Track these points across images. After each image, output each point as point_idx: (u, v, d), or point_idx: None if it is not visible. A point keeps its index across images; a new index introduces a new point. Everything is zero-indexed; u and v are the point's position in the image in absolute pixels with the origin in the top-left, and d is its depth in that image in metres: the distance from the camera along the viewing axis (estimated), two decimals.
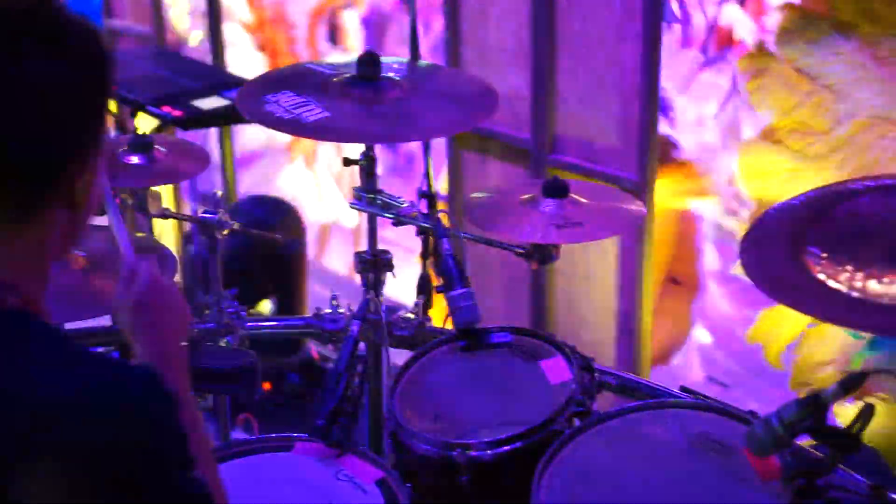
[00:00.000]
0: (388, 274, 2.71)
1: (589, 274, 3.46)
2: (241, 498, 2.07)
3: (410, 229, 2.57)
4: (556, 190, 2.34)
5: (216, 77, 3.66)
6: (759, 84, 3.19)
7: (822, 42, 3.09)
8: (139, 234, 2.54)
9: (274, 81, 2.52)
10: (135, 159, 2.46)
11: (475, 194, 2.51)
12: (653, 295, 3.40)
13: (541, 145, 3.47)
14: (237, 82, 3.48)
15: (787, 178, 3.18)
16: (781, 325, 3.45)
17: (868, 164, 3.05)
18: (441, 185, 3.90)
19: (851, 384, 1.81)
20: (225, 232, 2.63)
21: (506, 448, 2.15)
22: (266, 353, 3.37)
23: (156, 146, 2.51)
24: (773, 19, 3.28)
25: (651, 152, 3.26)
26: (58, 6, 1.41)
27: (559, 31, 3.38)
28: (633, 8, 3.19)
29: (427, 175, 2.74)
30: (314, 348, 4.18)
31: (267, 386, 4.00)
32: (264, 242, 3.81)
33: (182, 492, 1.36)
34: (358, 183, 2.60)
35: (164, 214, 2.54)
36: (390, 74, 2.49)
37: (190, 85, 3.47)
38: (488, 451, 2.15)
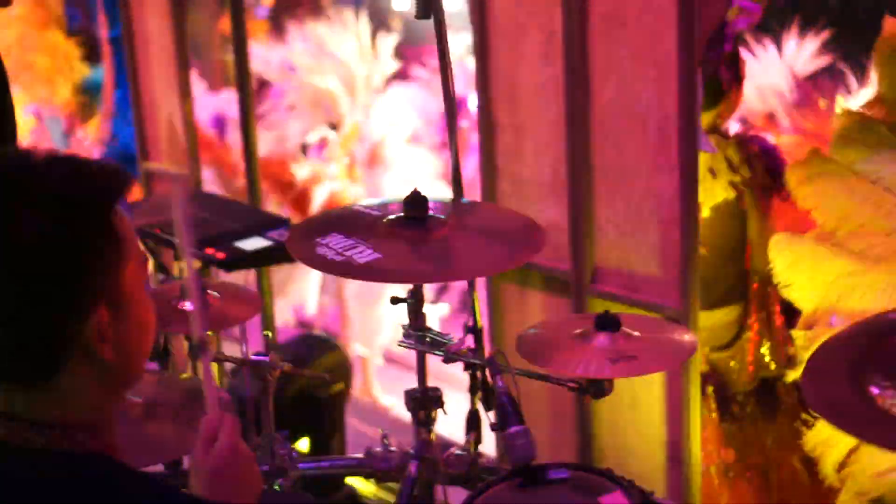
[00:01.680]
0: (439, 411, 2.72)
1: (635, 402, 3.45)
2: None
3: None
4: (608, 324, 2.35)
5: (257, 217, 3.71)
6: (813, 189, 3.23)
7: (880, 147, 3.13)
8: (188, 376, 2.55)
9: (322, 223, 2.57)
10: (187, 305, 2.49)
11: (528, 329, 2.52)
12: (699, 421, 3.38)
13: (581, 276, 3.49)
14: (279, 222, 3.53)
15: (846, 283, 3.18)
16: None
17: None
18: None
19: None
20: (276, 373, 2.65)
21: None
22: (308, 491, 3.37)
23: (208, 291, 2.54)
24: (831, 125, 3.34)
25: (692, 280, 3.27)
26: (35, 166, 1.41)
27: (596, 163, 3.43)
28: (668, 138, 3.23)
29: (473, 310, 2.75)
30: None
31: None
32: (301, 380, 3.86)
33: None
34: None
35: (217, 359, 2.55)
36: (436, 214, 2.53)
37: (231, 226, 3.52)
38: None
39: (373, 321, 5.50)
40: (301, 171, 5.58)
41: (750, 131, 3.98)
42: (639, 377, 3.35)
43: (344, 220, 2.55)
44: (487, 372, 2.65)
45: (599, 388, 2.38)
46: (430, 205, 2.52)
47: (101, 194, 1.42)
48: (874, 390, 1.79)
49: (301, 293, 5.64)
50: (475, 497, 2.42)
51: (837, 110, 3.25)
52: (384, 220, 2.51)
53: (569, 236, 3.52)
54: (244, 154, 4.66)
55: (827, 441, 3.47)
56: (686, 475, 3.36)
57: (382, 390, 5.53)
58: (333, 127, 5.70)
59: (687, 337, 2.42)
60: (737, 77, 3.67)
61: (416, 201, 2.49)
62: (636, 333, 2.38)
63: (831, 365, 1.91)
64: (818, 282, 3.30)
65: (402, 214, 2.50)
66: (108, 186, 1.43)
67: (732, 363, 3.84)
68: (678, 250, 3.27)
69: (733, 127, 3.88)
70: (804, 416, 3.67)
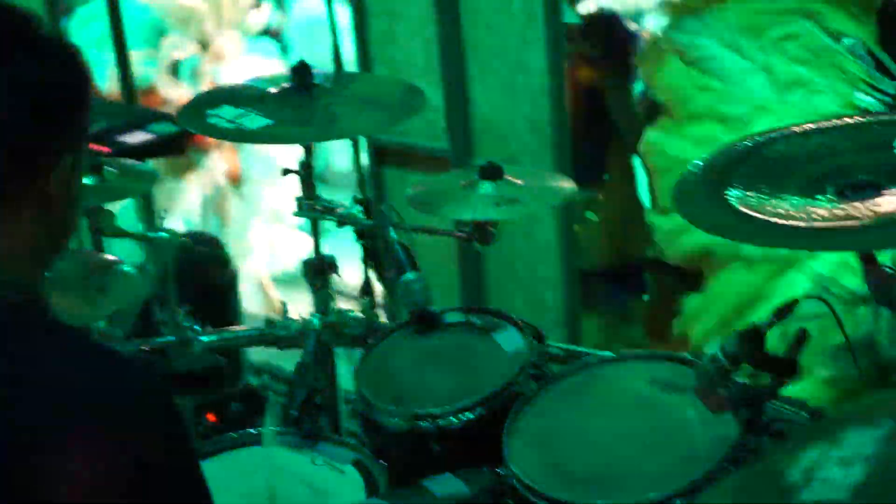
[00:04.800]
0: (334, 276, 2.84)
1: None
2: (225, 490, 2.19)
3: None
4: (492, 172, 2.49)
5: (139, 113, 3.76)
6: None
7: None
8: (98, 254, 2.61)
9: (212, 97, 2.65)
10: (87, 180, 2.55)
11: (417, 185, 2.65)
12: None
13: (459, 151, 3.63)
14: (161, 116, 3.59)
15: None
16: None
17: None
18: None
19: (783, 311, 1.99)
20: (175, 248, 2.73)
21: (471, 413, 2.28)
22: (208, 385, 3.46)
23: (105, 168, 2.60)
24: None
25: (562, 148, 3.44)
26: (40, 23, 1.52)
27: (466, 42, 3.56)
28: (533, 13, 3.37)
29: (360, 181, 2.87)
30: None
31: (211, 417, 4.06)
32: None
33: (194, 479, 1.47)
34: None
35: (117, 233, 2.63)
36: (322, 83, 2.64)
37: (113, 122, 3.56)
38: (455, 418, 2.28)
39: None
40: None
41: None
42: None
43: (233, 93, 2.64)
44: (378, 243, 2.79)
45: (486, 233, 2.52)
46: (315, 75, 2.62)
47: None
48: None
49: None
50: (375, 345, 2.55)
51: None
52: (272, 91, 2.60)
53: (444, 115, 3.65)
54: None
55: (694, 320, 3.69)
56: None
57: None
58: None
59: (566, 182, 2.58)
60: None
61: (301, 69, 2.58)
62: (518, 181, 2.53)
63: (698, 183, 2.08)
64: (666, 169, 3.51)
65: (289, 85, 2.60)
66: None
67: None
68: (549, 122, 3.43)
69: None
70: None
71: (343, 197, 2.80)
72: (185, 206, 5.65)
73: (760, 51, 3.29)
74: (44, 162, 1.46)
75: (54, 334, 1.49)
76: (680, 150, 3.47)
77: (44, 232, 1.51)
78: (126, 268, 2.56)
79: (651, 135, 3.62)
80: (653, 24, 3.99)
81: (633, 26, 4.10)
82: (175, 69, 5.67)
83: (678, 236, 3.58)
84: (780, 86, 3.28)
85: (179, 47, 5.63)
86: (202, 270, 3.83)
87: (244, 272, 5.37)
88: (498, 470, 2.15)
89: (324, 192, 2.74)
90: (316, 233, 2.85)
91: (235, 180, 5.42)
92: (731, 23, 3.32)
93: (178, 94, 5.44)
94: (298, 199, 2.77)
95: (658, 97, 3.62)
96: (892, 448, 1.12)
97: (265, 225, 5.54)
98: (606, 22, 3.90)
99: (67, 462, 1.35)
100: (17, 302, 1.47)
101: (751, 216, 1.90)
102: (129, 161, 2.83)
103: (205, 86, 5.35)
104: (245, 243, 5.53)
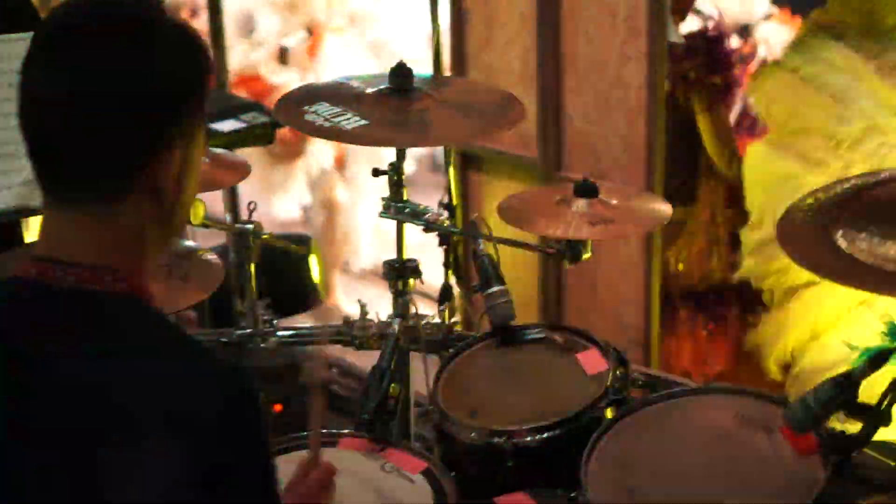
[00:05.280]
0: (416, 280, 2.81)
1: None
2: None
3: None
4: (587, 190, 2.45)
5: (230, 101, 3.76)
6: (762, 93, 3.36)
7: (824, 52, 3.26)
8: (182, 241, 2.61)
9: (309, 93, 2.63)
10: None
11: (510, 196, 2.62)
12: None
13: (549, 163, 3.59)
14: (252, 106, 3.59)
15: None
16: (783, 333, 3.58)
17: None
18: None
19: (879, 360, 1.94)
20: (259, 241, 2.72)
21: (549, 434, 2.24)
22: (275, 378, 3.46)
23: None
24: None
25: (656, 165, 3.38)
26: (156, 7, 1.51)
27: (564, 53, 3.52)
28: (636, 28, 3.32)
29: (449, 188, 2.84)
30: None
31: (278, 408, 4.07)
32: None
33: (269, 489, 1.46)
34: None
35: (205, 224, 2.62)
36: (420, 86, 2.61)
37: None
38: (532, 438, 2.24)
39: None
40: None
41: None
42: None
43: (331, 90, 2.62)
44: (459, 249, 2.76)
45: (577, 251, 2.48)
46: (414, 78, 2.60)
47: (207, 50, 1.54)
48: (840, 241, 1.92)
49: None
50: (455, 356, 2.52)
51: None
52: (370, 91, 2.58)
53: (537, 125, 3.61)
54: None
55: (770, 339, 3.63)
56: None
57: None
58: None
59: (660, 204, 2.53)
60: None
61: (401, 72, 2.56)
62: (613, 201, 2.48)
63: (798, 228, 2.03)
64: (766, 184, 3.45)
65: (387, 86, 2.58)
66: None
67: (676, 262, 3.94)
68: (643, 138, 3.38)
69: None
70: (749, 317, 3.84)
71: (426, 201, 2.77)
72: (291, 190, 5.66)
73: (877, 73, 3.24)
74: (156, 152, 1.46)
75: (154, 329, 1.49)
76: (783, 166, 3.41)
77: (152, 225, 1.50)
78: (209, 256, 2.56)
79: (754, 149, 3.57)
80: (761, 39, 3.95)
81: (736, 43, 4.04)
82: (282, 56, 5.67)
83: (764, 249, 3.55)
84: (892, 109, 3.21)
85: (288, 33, 5.63)
86: (288, 266, 3.86)
87: (335, 259, 5.39)
88: (572, 494, 2.11)
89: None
90: (400, 235, 2.82)
91: (341, 165, 5.40)
92: (848, 45, 3.27)
93: (283, 80, 5.45)
94: (385, 201, 2.75)
95: (764, 113, 3.57)
96: None
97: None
98: (708, 42, 3.84)
99: (138, 463, 1.35)
100: (121, 292, 1.47)
101: (856, 259, 1.85)
102: (220, 150, 2.82)
103: (308, 74, 5.35)
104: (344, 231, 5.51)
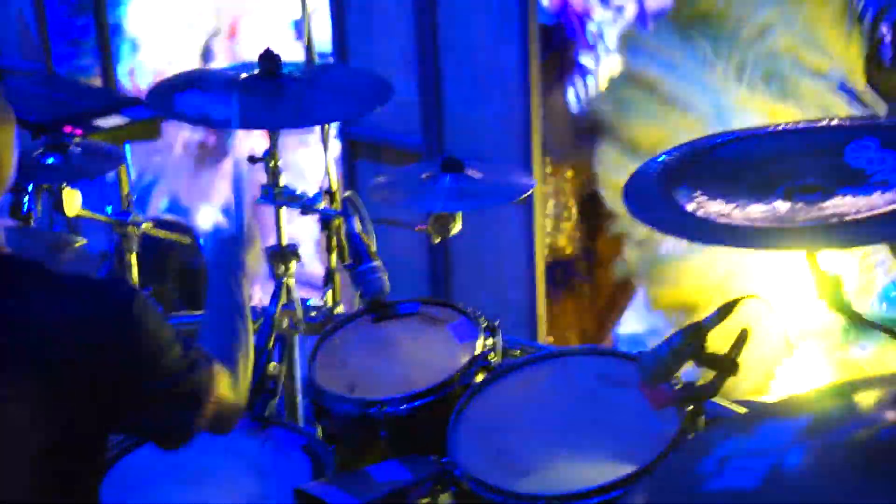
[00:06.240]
0: (296, 263, 2.85)
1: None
2: (187, 473, 2.26)
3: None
4: (452, 165, 2.52)
5: (113, 97, 3.78)
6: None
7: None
8: (57, 233, 2.64)
9: (180, 82, 2.67)
10: (51, 159, 2.58)
11: (379, 175, 2.68)
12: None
13: (431, 146, 3.66)
14: (135, 101, 3.61)
15: None
16: None
17: None
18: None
19: (726, 310, 2.02)
20: (137, 231, 2.75)
21: (419, 402, 2.30)
22: None
23: (70, 146, 2.63)
24: None
25: (534, 144, 3.47)
26: None
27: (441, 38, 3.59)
28: (509, 11, 3.40)
29: (327, 172, 2.89)
30: None
31: None
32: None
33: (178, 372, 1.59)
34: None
35: (81, 215, 2.65)
36: (289, 71, 2.65)
37: (88, 105, 3.58)
38: (403, 406, 2.30)
39: None
40: None
41: None
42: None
43: (202, 77, 2.66)
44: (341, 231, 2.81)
45: (444, 226, 2.55)
46: (284, 64, 2.64)
47: None
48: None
49: None
50: (330, 333, 2.57)
51: None
52: (240, 77, 2.62)
53: (419, 110, 3.67)
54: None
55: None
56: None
57: None
58: None
59: (524, 178, 2.61)
60: None
61: (269, 57, 2.60)
62: (479, 175, 2.55)
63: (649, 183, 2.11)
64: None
65: (256, 72, 2.62)
66: None
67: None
68: (520, 118, 3.46)
69: None
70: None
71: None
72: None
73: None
74: None
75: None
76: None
77: None
78: (84, 247, 2.59)
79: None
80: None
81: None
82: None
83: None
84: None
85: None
86: (173, 255, 3.88)
87: None
88: (444, 459, 2.17)
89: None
90: (279, 221, 2.87)
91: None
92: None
93: None
94: (263, 187, 2.79)
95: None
96: (807, 441, 1.16)
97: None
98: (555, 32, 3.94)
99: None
100: None
101: (696, 215, 1.93)
102: (98, 142, 2.85)
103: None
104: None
